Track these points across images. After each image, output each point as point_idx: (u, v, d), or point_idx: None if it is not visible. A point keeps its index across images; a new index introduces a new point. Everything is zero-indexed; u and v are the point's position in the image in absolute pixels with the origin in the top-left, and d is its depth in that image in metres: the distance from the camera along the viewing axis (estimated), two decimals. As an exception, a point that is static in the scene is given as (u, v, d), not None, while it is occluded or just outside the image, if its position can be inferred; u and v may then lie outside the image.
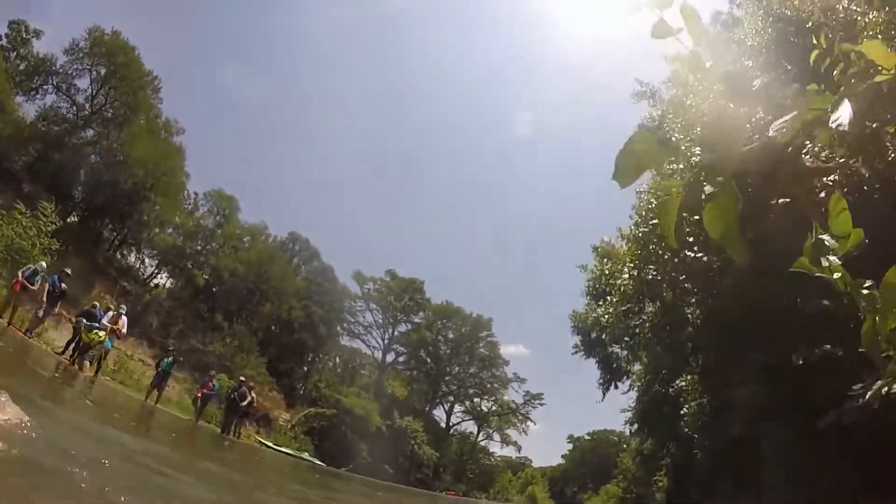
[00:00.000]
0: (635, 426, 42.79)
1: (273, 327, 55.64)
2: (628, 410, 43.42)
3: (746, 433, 17.22)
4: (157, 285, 43.40)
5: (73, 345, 17.91)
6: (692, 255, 17.13)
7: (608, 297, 30.64)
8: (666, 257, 19.96)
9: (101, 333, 16.51)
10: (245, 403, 22.86)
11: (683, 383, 25.53)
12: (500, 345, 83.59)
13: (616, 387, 42.64)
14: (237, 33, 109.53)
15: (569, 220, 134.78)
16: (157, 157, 36.28)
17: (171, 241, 44.73)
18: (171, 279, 46.08)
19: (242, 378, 24.58)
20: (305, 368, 60.50)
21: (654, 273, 21.48)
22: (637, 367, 39.20)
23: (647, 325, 28.06)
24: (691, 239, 16.35)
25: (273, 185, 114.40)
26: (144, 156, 35.21)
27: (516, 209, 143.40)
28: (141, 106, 37.21)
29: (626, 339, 38.46)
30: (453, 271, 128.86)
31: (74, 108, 35.92)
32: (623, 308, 25.26)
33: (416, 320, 78.67)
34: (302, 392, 56.82)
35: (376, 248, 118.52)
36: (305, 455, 36.46)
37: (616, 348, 40.54)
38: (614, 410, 71.36)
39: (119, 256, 40.53)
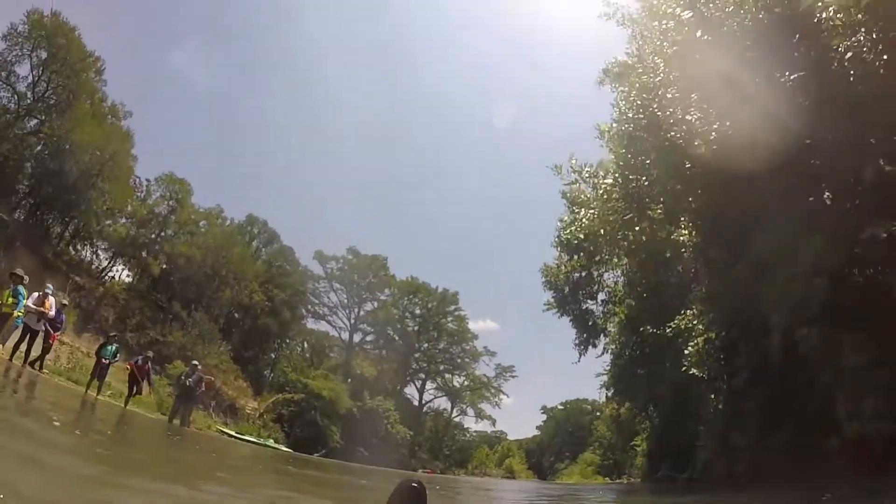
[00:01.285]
0: (611, 391, 41.46)
1: (235, 314, 55.10)
2: (603, 374, 42.13)
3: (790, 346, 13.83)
4: (112, 278, 42.36)
5: None
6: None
7: (582, 210, 28.38)
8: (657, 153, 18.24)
9: (11, 300, 15.00)
10: (200, 391, 21.69)
11: (682, 321, 23.36)
12: (469, 319, 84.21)
13: (594, 345, 40.34)
14: (185, 10, 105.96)
15: (531, 196, 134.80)
16: (103, 142, 35.20)
17: (124, 230, 43.68)
18: (126, 271, 45.07)
19: (195, 362, 22.77)
20: (272, 355, 60.25)
21: (642, 177, 20.04)
22: (611, 328, 38.26)
23: (632, 256, 26.64)
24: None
25: (227, 168, 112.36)
26: (89, 141, 34.07)
27: (478, 183, 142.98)
28: (84, 89, 36.02)
29: (603, 291, 38.98)
30: (416, 248, 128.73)
31: (15, 97, 34.50)
32: (611, 217, 22.40)
33: (382, 298, 78.69)
34: (270, 379, 56.51)
35: (337, 227, 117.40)
36: (271, 442, 36.18)
37: (591, 304, 39.92)
38: (586, 379, 71.96)
39: (72, 251, 39.37)
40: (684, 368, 21.45)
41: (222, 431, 31.54)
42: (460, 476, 62.82)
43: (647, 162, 19.52)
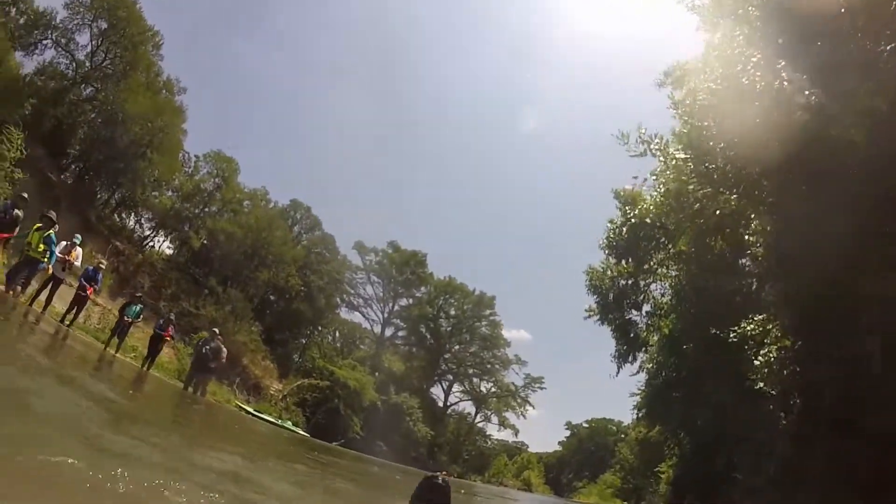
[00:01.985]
0: (642, 412, 39.23)
1: (270, 296, 55.87)
2: (637, 394, 40.08)
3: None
4: (151, 247, 43.49)
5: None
6: None
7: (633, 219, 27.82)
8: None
9: (42, 247, 14.87)
10: (218, 360, 20.57)
11: (749, 326, 20.22)
12: (503, 325, 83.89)
13: (634, 359, 37.74)
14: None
15: (577, 211, 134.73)
16: (154, 113, 36.29)
17: (169, 203, 44.82)
18: (167, 243, 46.28)
19: (216, 329, 22.15)
20: (303, 340, 60.73)
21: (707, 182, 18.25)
22: (652, 342, 35.83)
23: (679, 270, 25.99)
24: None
25: (275, 153, 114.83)
26: (141, 111, 35.21)
27: (524, 194, 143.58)
28: (140, 61, 37.17)
29: (649, 303, 36.14)
30: (457, 249, 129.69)
31: (74, 64, 35.85)
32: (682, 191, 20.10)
33: (418, 295, 79.16)
34: (298, 363, 57.09)
35: (379, 220, 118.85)
36: (288, 424, 36.59)
37: (635, 315, 37.43)
38: (614, 399, 71.59)
39: (116, 218, 40.53)
40: (754, 379, 18.83)
41: (240, 407, 32.09)
42: (477, 483, 62.72)
43: (721, 147, 17.69)
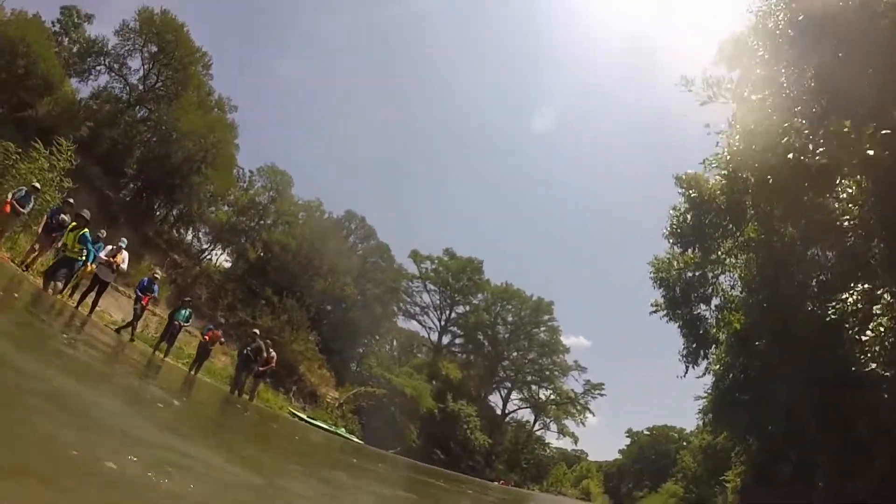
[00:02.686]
0: (709, 416, 37.61)
1: (327, 305, 56.73)
2: (702, 398, 38.61)
3: None
4: (209, 260, 45.00)
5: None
6: None
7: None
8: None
9: (78, 246, 14.78)
10: (260, 360, 20.77)
11: (852, 298, 18.07)
12: (561, 331, 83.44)
13: (704, 356, 35.47)
14: (295, 18, 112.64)
15: (636, 214, 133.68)
16: (207, 130, 37.73)
17: (225, 217, 46.30)
18: (224, 256, 47.82)
19: (256, 330, 22.47)
20: (360, 350, 61.40)
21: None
22: (722, 338, 34.19)
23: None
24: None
25: (328, 166, 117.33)
26: (194, 128, 36.73)
27: (585, 198, 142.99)
28: (191, 81, 38.80)
29: (718, 296, 34.31)
30: (514, 255, 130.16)
31: (127, 87, 37.74)
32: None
33: (475, 302, 79.32)
34: (355, 372, 57.78)
35: (433, 228, 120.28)
36: (342, 431, 36.99)
37: (703, 309, 35.58)
38: (676, 406, 70.31)
39: (173, 233, 42.04)
40: (862, 360, 16.37)
41: (293, 414, 32.72)
42: (535, 492, 62.42)
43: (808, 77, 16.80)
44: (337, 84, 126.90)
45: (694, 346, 35.48)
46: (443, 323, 77.58)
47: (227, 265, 47.57)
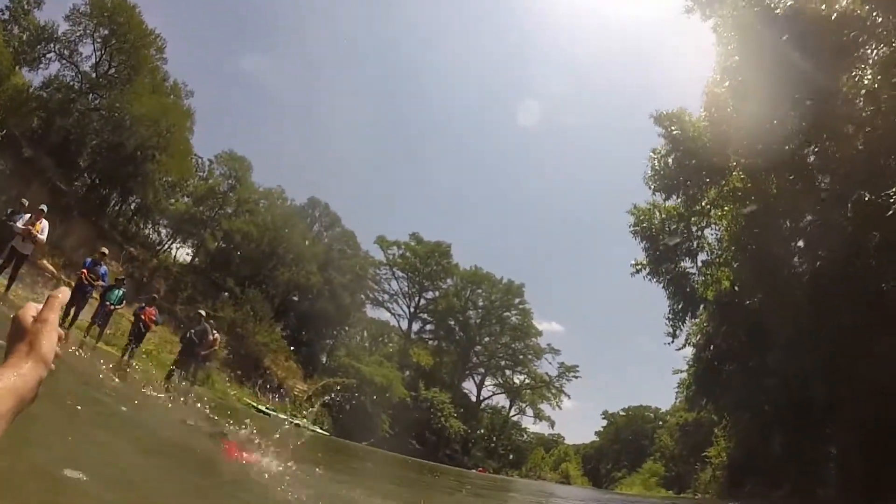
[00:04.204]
0: (690, 390, 35.60)
1: (293, 296, 56.31)
2: (683, 371, 37.46)
3: None
4: (167, 251, 44.31)
5: None
6: None
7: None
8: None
9: None
10: (205, 344, 18.60)
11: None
12: (533, 314, 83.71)
13: (692, 316, 33.20)
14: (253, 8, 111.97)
15: (610, 200, 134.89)
16: (160, 114, 36.96)
17: (184, 207, 45.58)
18: (184, 249, 47.16)
19: (202, 311, 20.09)
20: (329, 342, 61.08)
21: None
22: (710, 297, 31.22)
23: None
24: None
25: (289, 154, 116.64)
26: (147, 113, 35.96)
27: (543, 182, 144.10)
28: (143, 64, 38.00)
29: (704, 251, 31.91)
30: (482, 240, 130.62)
31: (79, 75, 36.76)
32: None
33: (444, 287, 79.38)
34: (325, 364, 57.46)
35: (399, 214, 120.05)
36: (305, 422, 36.16)
37: (689, 266, 33.27)
38: (651, 386, 70.88)
39: (131, 226, 41.28)
40: None
41: (249, 404, 31.94)
42: (515, 478, 62.53)
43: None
44: (308, 70, 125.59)
45: (681, 305, 33.54)
46: (412, 310, 77.71)
47: (188, 257, 46.97)
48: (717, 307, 29.73)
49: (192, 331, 18.45)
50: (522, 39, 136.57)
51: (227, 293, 44.51)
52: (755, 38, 18.91)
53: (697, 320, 32.98)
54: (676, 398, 58.88)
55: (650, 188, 31.42)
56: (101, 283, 17.17)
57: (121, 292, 18.37)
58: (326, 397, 49.46)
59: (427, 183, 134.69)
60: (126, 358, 18.03)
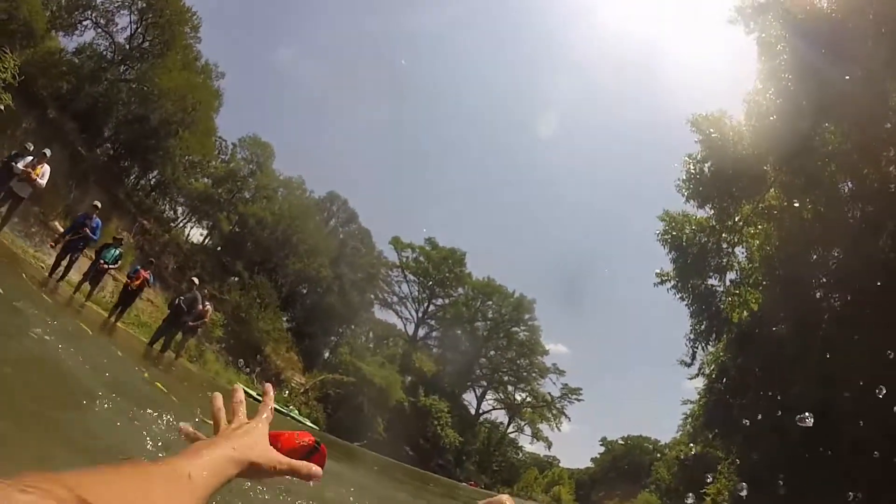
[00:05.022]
0: (699, 421, 33.86)
1: (301, 287, 56.52)
2: (692, 402, 36.40)
3: None
4: (179, 226, 44.61)
5: None
6: None
7: None
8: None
9: None
10: (194, 313, 17.83)
11: None
12: (542, 331, 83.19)
13: (717, 338, 30.79)
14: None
15: (627, 223, 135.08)
16: (187, 90, 37.38)
17: (202, 186, 45.90)
18: (197, 228, 47.51)
19: (194, 279, 19.11)
20: (334, 339, 61.18)
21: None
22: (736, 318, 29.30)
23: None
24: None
25: (312, 148, 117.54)
26: (174, 88, 36.36)
27: (576, 204, 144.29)
28: (176, 41, 38.29)
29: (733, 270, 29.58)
30: (496, 253, 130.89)
31: (113, 45, 37.20)
32: None
33: (454, 295, 79.21)
34: (327, 359, 57.51)
35: (417, 218, 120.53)
36: (294, 413, 35.98)
37: (716, 283, 30.83)
38: (652, 417, 70.39)
39: (149, 201, 41.55)
40: None
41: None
42: (504, 494, 61.87)
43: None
44: (335, 72, 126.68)
45: (704, 325, 31.02)
46: (420, 315, 77.56)
47: (200, 239, 47.31)
48: (737, 336, 28.30)
49: (182, 297, 17.78)
50: (543, 47, 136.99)
51: (235, 277, 44.72)
52: (801, 51, 18.68)
53: (714, 349, 31.18)
54: (678, 431, 58.52)
55: (683, 195, 29.33)
56: (88, 232, 16.59)
57: (117, 251, 17.88)
58: (323, 392, 49.66)
59: (447, 190, 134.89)
60: (112, 320, 17.24)
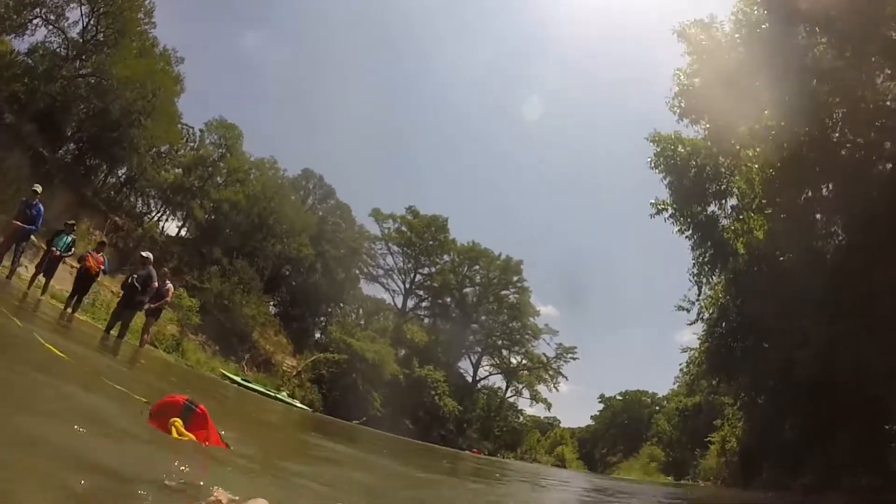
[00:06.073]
0: (701, 368, 31.90)
1: (284, 270, 56.32)
2: (690, 350, 34.88)
3: None
4: (152, 220, 44.23)
5: None
6: None
7: None
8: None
9: None
10: (150, 293, 16.19)
11: None
12: (531, 292, 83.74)
13: (722, 270, 29.03)
14: None
15: (613, 189, 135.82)
16: (145, 77, 36.89)
17: (172, 176, 45.49)
18: (171, 220, 47.23)
19: (148, 254, 16.66)
20: (323, 319, 61.14)
21: None
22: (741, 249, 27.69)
23: None
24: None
25: (283, 128, 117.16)
26: (132, 76, 35.87)
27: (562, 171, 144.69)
28: (130, 28, 37.65)
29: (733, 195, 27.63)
30: (480, 219, 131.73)
31: (66, 41, 36.51)
32: None
33: (440, 263, 79.19)
34: (316, 339, 57.46)
35: (396, 190, 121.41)
36: (283, 395, 35.47)
37: (717, 209, 29.26)
38: (648, 371, 71.10)
39: (119, 198, 41.18)
40: None
41: (225, 375, 31.07)
42: (510, 460, 62.66)
43: None
44: (305, 45, 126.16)
45: (708, 257, 29.41)
46: (408, 286, 77.53)
47: (176, 229, 47.09)
48: (741, 269, 26.94)
49: (135, 275, 16.03)
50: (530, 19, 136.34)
51: (214, 265, 44.42)
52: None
53: (712, 291, 29.80)
54: (675, 382, 59.03)
55: (675, 113, 26.87)
56: (31, 226, 16.03)
57: (69, 238, 17.19)
58: (316, 373, 49.59)
59: (424, 157, 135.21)
60: (69, 311, 16.47)
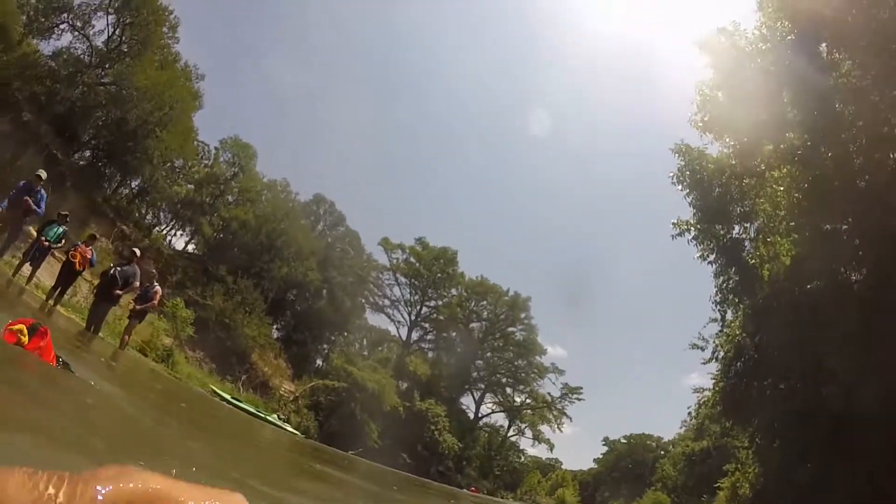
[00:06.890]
0: (715, 410, 30.51)
1: (290, 294, 56.36)
2: (704, 390, 34.36)
3: None
4: (159, 231, 44.63)
5: None
6: None
7: None
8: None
9: None
10: (131, 290, 15.84)
11: None
12: (539, 331, 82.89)
13: (751, 293, 26.57)
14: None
15: (625, 221, 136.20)
16: (164, 88, 37.51)
17: (184, 191, 45.91)
18: (180, 233, 47.58)
19: (136, 250, 16.79)
20: (325, 346, 60.99)
21: None
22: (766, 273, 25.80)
23: None
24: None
25: (297, 151, 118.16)
26: (150, 87, 36.53)
27: (571, 203, 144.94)
28: (153, 41, 38.54)
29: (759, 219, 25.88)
30: (490, 253, 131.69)
31: (90, 48, 37.35)
32: None
33: (447, 296, 78.95)
34: (318, 366, 57.23)
35: (407, 219, 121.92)
36: (273, 418, 34.18)
37: (741, 233, 27.64)
38: (653, 416, 70.08)
39: (130, 207, 41.61)
40: None
41: (215, 392, 29.70)
42: (509, 500, 62.01)
43: None
44: (319, 70, 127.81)
45: (731, 284, 27.69)
46: (413, 318, 77.11)
47: (183, 244, 47.49)
48: (752, 311, 25.54)
49: (118, 268, 15.60)
50: (533, 45, 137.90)
51: (218, 282, 44.53)
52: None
53: (730, 328, 27.87)
54: (682, 426, 58.39)
55: (698, 127, 25.84)
56: (32, 204, 15.40)
57: (60, 229, 16.81)
58: (314, 399, 49.25)
59: (435, 189, 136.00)
60: (51, 303, 15.99)
